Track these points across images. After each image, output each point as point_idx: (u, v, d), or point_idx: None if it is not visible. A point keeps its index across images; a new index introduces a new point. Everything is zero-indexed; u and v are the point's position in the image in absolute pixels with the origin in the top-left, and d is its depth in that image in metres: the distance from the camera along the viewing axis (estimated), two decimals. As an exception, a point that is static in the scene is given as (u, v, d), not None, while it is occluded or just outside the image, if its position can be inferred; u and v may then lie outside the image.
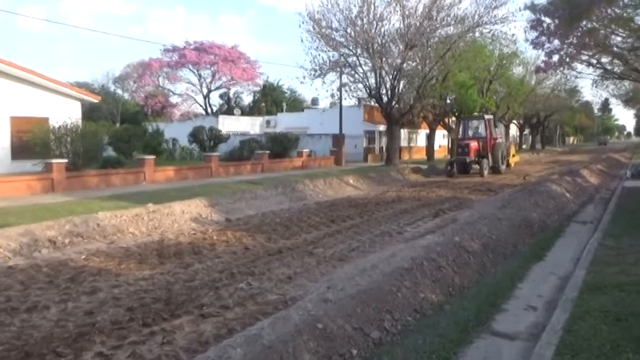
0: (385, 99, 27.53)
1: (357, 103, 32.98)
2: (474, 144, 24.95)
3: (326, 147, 31.13)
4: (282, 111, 50.10)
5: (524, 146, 62.32)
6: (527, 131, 66.34)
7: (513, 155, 29.86)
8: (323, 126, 35.54)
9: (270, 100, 57.18)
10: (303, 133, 35.80)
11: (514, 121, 57.35)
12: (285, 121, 41.30)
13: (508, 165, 28.08)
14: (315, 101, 45.08)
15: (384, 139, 33.86)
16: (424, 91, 27.45)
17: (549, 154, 56.54)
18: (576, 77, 40.91)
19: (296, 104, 62.23)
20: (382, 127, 33.85)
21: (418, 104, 28.93)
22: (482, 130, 26.55)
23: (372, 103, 32.55)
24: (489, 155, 25.34)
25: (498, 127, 49.07)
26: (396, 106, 28.11)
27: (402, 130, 34.49)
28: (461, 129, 27.18)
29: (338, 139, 30.18)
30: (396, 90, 27.36)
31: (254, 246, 9.70)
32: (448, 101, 35.78)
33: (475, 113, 31.48)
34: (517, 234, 9.98)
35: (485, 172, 24.37)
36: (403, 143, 37.76)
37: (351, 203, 15.69)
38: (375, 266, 6.91)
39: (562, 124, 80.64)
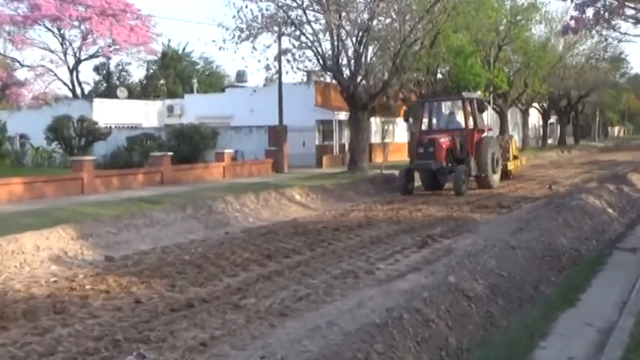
0: (347, 73, 27.86)
1: (304, 79, 33.17)
2: (444, 140, 23.51)
3: (259, 145, 31.17)
4: (191, 91, 49.72)
5: (549, 140, 64.41)
6: (553, 119, 68.56)
7: (515, 157, 29.16)
8: (254, 114, 35.53)
9: (174, 75, 56.70)
10: (225, 124, 35.68)
11: (535, 105, 59.21)
12: (196, 107, 41.03)
13: (507, 173, 27.36)
14: (241, 77, 45.04)
15: (347, 133, 34.17)
16: (404, 62, 27.98)
17: (585, 151, 58.63)
18: (620, 40, 42.67)
19: (213, 81, 61.95)
20: (344, 115, 34.19)
21: (395, 80, 29.45)
22: (459, 117, 25.56)
23: (328, 80, 32.82)
24: (472, 158, 24.00)
25: (526, 114, 50.40)
26: (363, 83, 28.49)
27: (372, 120, 34.95)
28: (425, 117, 25.74)
29: (277, 134, 30.26)
30: (363, 59, 27.78)
31: (150, 298, 9.58)
32: (439, 76, 36.58)
33: (486, 92, 32.09)
34: (539, 269, 10.30)
35: (464, 188, 22.92)
36: (375, 138, 38.27)
37: (298, 229, 15.73)
38: (333, 323, 6.98)
39: (603, 109, 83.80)
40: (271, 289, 10.01)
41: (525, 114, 55.67)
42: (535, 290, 9.42)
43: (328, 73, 29.15)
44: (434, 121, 25.86)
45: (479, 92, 35.81)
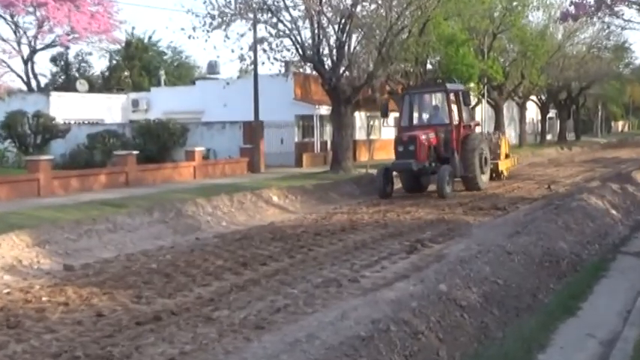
0: (329, 63, 27.88)
1: (282, 70, 33.16)
2: (426, 137, 23.06)
3: (233, 143, 31.09)
4: (158, 84, 49.56)
5: (548, 136, 64.86)
6: (552, 113, 69.04)
7: (507, 155, 29.08)
8: (228, 109, 35.45)
9: (139, 67, 56.42)
10: (195, 120, 35.54)
11: (532, 98, 59.60)
12: (164, 102, 40.88)
13: (498, 173, 27.34)
14: (213, 68, 44.93)
15: (329, 129, 34.17)
16: (390, 51, 28.05)
17: (587, 147, 59.12)
18: (624, 28, 43.13)
19: (182, 73, 61.68)
20: (325, 110, 34.24)
21: (381, 72, 29.49)
22: (442, 111, 25.06)
23: (308, 71, 32.80)
24: (457, 157, 23.65)
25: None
26: (346, 74, 28.51)
27: (356, 114, 35.01)
28: (404, 111, 25.18)
29: (253, 130, 30.21)
30: (346, 49, 27.80)
31: (113, 310, 9.54)
32: (429, 66, 36.70)
33: (464, 81, 32.04)
34: (537, 276, 10.37)
35: (448, 190, 22.47)
36: (359, 135, 38.35)
37: (276, 234, 15.75)
38: (314, 336, 6.98)
39: (605, 102, 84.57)
40: (246, 299, 10.00)
41: (522, 108, 56.00)
42: (533, 299, 9.49)
43: (308, 63, 29.11)
44: (415, 115, 25.33)
45: (472, 84, 36.00)
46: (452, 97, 24.37)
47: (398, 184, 24.60)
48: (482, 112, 46.70)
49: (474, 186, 24.19)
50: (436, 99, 25.94)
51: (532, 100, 60.43)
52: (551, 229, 13.00)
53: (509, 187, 25.79)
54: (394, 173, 23.84)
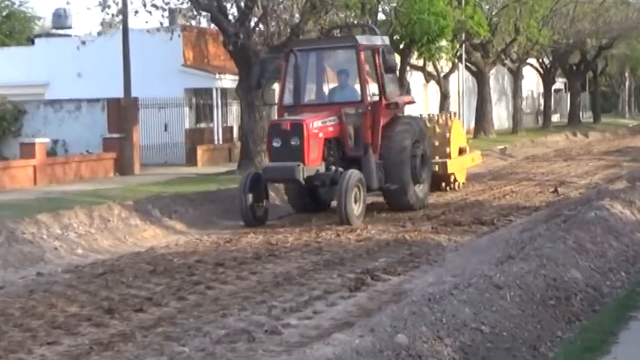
0: (234, 13, 27.87)
1: (166, 23, 33.02)
2: (321, 123, 21.21)
3: (93, 131, 30.84)
4: (-20, 45, 48.95)
5: (555, 117, 65.82)
6: (560, 84, 70.02)
7: (461, 150, 27.71)
8: (85, 80, 35.28)
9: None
10: (36, 97, 35.16)
11: (531, 62, 60.32)
12: (-12, 70, 40.41)
13: (446, 179, 26.15)
14: (61, 20, 44.49)
15: (236, 109, 34.14)
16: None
17: (610, 132, 60.20)
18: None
19: (15, 28, 60.76)
20: (230, 81, 34.21)
21: (312, 24, 29.57)
22: (350, 81, 23.13)
23: (204, 25, 32.75)
24: (372, 157, 21.65)
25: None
26: (260, 29, 28.52)
27: (277, 87, 35.06)
28: (288, 80, 22.73)
29: (123, 112, 30.00)
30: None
31: None
32: (382, 17, 36.96)
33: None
34: (538, 319, 10.52)
35: (357, 209, 20.57)
36: (281, 117, 38.40)
37: (157, 266, 15.71)
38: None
39: (635, 67, 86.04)
40: (113, 364, 9.95)
41: (517, 76, 56.35)
42: (532, 352, 9.64)
43: (204, 13, 29.06)
44: (305, 87, 22.71)
45: (444, 42, 36.36)
46: (366, 56, 22.43)
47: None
48: (460, 82, 47.11)
49: (402, 202, 22.48)
50: (338, 59, 24.18)
51: (531, 66, 61.14)
52: (558, 252, 13.18)
53: (498, 191, 26.12)
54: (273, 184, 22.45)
